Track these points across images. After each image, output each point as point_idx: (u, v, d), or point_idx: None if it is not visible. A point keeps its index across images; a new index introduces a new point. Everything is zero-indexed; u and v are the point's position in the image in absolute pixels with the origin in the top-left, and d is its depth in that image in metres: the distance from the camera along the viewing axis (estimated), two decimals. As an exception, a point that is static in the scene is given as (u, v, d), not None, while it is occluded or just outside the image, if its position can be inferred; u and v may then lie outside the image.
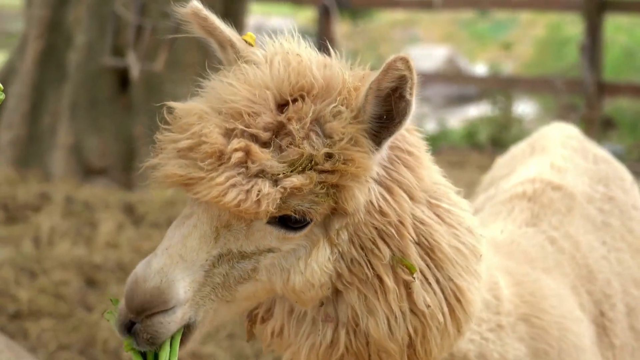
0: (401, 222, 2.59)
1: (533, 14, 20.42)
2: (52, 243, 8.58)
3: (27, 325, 6.94)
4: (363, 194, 2.51)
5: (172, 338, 2.52)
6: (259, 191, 2.40)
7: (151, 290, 2.41)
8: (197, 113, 2.51)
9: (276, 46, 2.65)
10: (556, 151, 3.80)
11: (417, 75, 2.48)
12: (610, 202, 3.69)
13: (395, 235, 2.58)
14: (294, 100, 2.50)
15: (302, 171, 2.43)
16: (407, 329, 2.62)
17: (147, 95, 10.86)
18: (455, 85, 18.56)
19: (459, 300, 2.68)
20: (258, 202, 2.41)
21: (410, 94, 2.48)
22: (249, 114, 2.48)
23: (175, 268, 2.44)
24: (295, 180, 2.42)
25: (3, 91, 2.51)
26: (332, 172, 2.45)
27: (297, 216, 2.47)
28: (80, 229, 9.02)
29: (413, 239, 2.60)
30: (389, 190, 2.59)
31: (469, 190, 3.26)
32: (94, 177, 10.73)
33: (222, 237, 2.49)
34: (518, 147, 4.12)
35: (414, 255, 2.61)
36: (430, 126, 15.35)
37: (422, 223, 2.63)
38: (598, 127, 13.83)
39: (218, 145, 2.44)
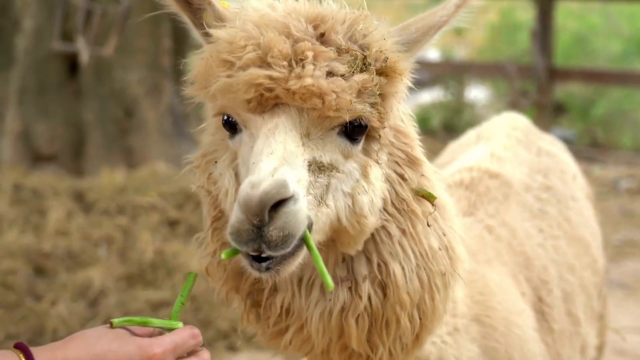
0: (414, 149, 2.66)
1: (485, -1, 20.53)
2: (0, 231, 8.47)
3: (-25, 315, 6.87)
4: (396, 109, 2.59)
5: (305, 238, 2.35)
6: (338, 85, 2.39)
7: (266, 186, 2.24)
8: (244, 32, 2.44)
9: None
10: (499, 141, 3.85)
11: None
12: (547, 191, 3.75)
13: (415, 161, 2.64)
14: (316, 26, 2.48)
15: (361, 71, 2.43)
16: (423, 273, 2.60)
17: (96, 80, 10.75)
18: (409, 70, 18.55)
19: (451, 254, 2.70)
20: (342, 93, 2.39)
21: None
22: (293, 29, 2.45)
23: (282, 168, 2.30)
24: (361, 77, 2.42)
25: None
26: (383, 74, 2.47)
27: (363, 122, 2.47)
28: (28, 217, 8.92)
29: (426, 170, 2.67)
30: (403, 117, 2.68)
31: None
32: (43, 163, 10.59)
33: (305, 145, 2.41)
34: (467, 135, 4.18)
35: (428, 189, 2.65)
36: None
37: (424, 164, 2.70)
38: (549, 112, 13.97)
39: (288, 47, 2.39)
